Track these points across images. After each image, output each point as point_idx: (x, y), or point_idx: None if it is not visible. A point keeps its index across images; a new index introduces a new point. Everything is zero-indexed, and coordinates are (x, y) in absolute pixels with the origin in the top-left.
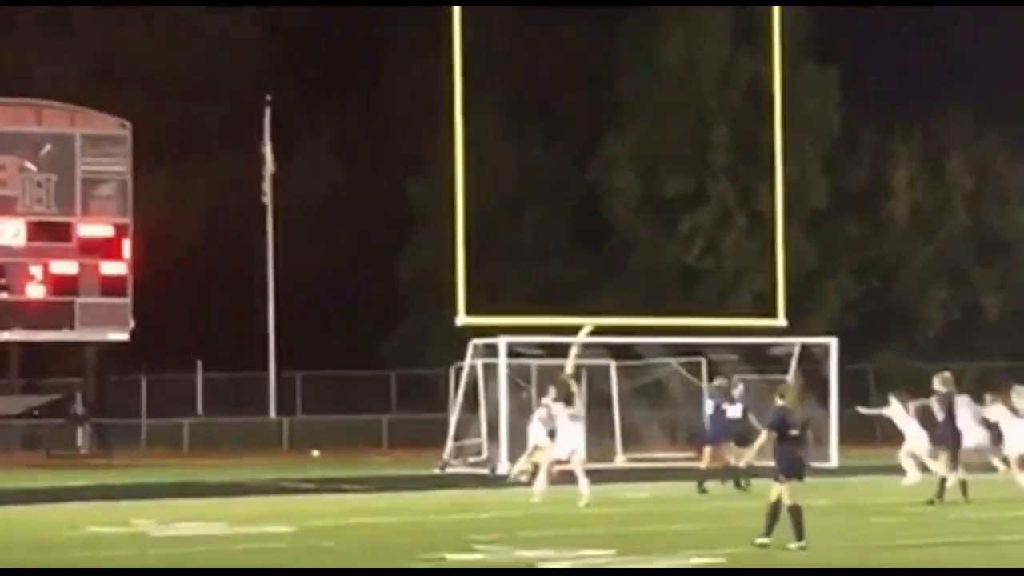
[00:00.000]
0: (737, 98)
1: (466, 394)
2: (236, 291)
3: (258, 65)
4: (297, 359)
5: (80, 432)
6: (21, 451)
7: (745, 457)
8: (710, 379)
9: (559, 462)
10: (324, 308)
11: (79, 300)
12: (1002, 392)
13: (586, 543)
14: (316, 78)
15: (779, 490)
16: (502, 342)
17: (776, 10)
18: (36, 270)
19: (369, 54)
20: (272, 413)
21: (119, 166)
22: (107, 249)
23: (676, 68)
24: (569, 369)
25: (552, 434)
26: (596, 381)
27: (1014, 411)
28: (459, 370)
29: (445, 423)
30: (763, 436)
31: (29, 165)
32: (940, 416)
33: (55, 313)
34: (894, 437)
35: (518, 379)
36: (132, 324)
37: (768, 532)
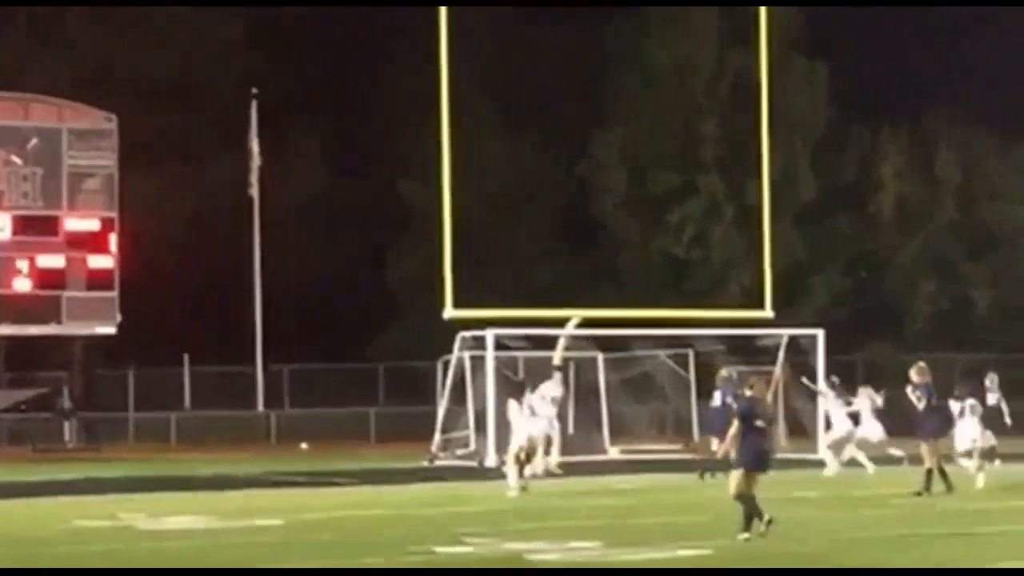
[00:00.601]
0: (726, 93)
1: (454, 387)
2: (223, 285)
3: (247, 63)
4: (285, 353)
5: (67, 426)
6: (8, 445)
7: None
8: (697, 371)
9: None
10: (312, 303)
11: (66, 294)
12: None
13: (574, 535)
14: (307, 77)
15: (737, 479)
16: (489, 334)
17: (764, 8)
18: (23, 264)
19: (361, 53)
20: (260, 407)
21: (106, 160)
22: (94, 243)
23: (665, 65)
24: (557, 361)
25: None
26: (584, 373)
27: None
28: (446, 363)
29: (433, 416)
30: (732, 427)
31: (15, 159)
32: (920, 406)
33: (42, 307)
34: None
35: (506, 371)
36: (119, 318)
37: (747, 528)
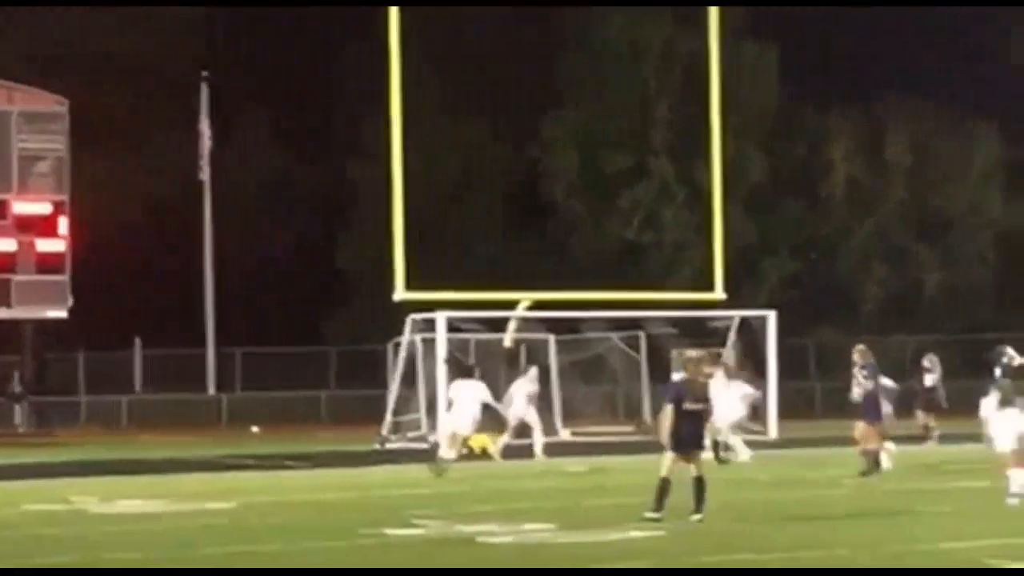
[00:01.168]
0: (677, 76)
1: (405, 370)
2: (175, 268)
3: (198, 45)
4: (236, 336)
5: (18, 410)
6: None
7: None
8: (649, 353)
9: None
10: (264, 285)
11: (16, 278)
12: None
13: (527, 517)
14: (257, 60)
15: (668, 461)
16: (440, 317)
17: None
18: None
19: (312, 36)
20: (211, 390)
21: (56, 143)
22: (44, 226)
23: (616, 47)
24: (508, 343)
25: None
26: (535, 355)
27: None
28: (397, 346)
29: (384, 399)
30: (665, 410)
31: None
32: (868, 387)
33: None
34: (832, 410)
35: (458, 353)
36: (70, 301)
37: (698, 510)
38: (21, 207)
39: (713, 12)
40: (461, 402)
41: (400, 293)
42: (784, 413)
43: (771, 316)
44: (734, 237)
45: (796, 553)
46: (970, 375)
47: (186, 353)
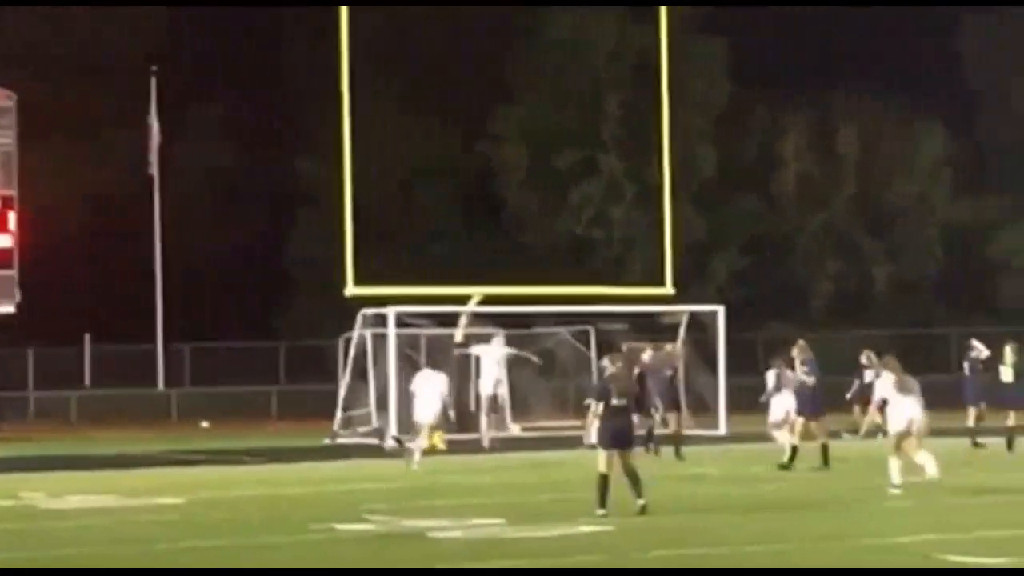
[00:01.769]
0: (627, 71)
1: (355, 365)
2: (124, 263)
3: (148, 40)
4: (186, 331)
5: None
6: None
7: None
8: (599, 348)
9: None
10: (213, 281)
11: None
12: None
13: (477, 512)
14: (207, 54)
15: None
16: (391, 312)
17: None
18: None
19: (261, 30)
20: (160, 385)
21: (5, 138)
22: None
23: (566, 42)
24: (459, 338)
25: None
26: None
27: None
28: (348, 341)
29: (335, 394)
30: (592, 407)
31: None
32: (810, 381)
33: None
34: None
35: (408, 349)
36: (18, 297)
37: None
38: None
39: (663, 10)
40: (423, 394)
41: (350, 288)
42: (733, 408)
43: (720, 311)
44: (684, 233)
45: (747, 547)
46: (917, 370)
47: (136, 348)
